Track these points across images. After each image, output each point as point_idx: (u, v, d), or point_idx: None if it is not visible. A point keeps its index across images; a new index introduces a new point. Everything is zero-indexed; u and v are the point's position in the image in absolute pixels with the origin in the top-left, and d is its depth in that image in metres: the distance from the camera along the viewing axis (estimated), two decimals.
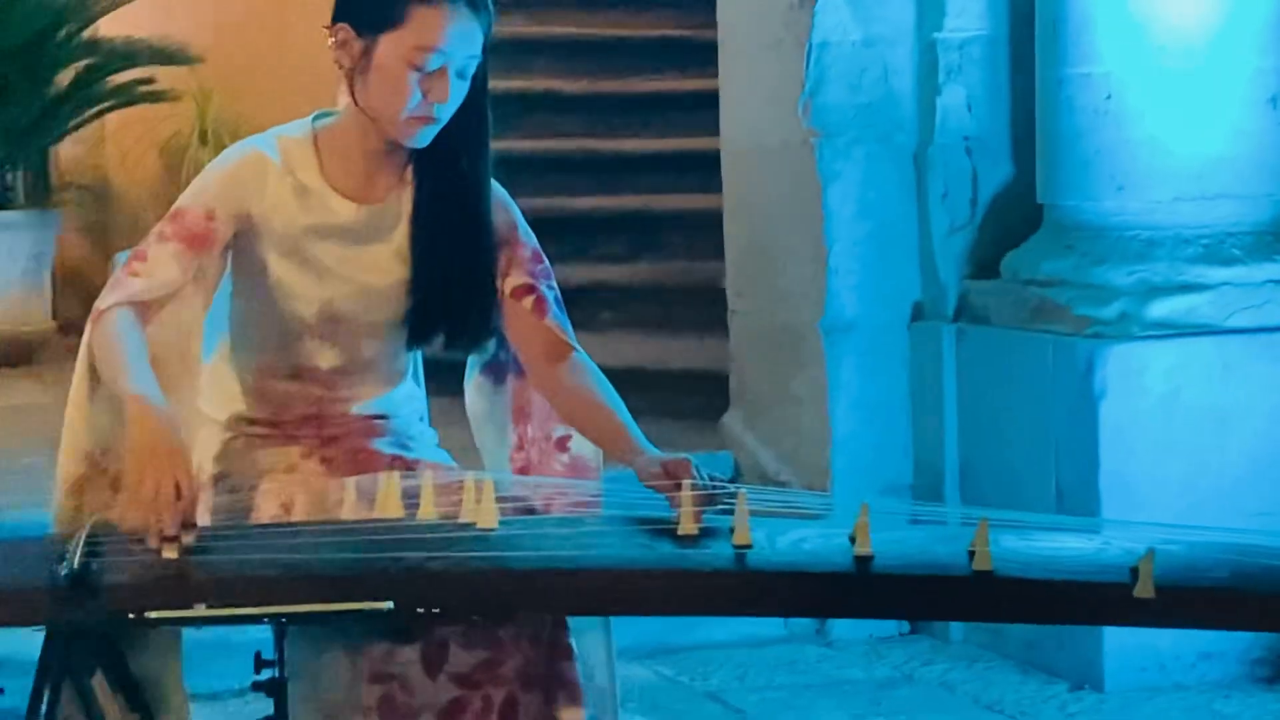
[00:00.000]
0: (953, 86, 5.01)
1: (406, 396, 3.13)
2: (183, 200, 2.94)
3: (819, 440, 5.13)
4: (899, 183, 5.08)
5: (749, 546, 2.66)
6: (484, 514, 2.74)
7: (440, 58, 2.87)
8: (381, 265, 2.99)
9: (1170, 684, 4.54)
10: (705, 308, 6.09)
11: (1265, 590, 2.57)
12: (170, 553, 2.58)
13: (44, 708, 2.62)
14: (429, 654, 2.73)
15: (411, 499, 2.80)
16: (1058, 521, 3.22)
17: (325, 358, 3.03)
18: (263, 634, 2.76)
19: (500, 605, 2.66)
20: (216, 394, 3.05)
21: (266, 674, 2.75)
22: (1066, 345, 4.62)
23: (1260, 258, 4.66)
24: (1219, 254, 4.65)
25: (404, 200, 3.00)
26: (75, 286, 8.29)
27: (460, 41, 2.88)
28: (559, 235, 6.13)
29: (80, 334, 2.88)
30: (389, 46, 2.88)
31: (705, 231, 6.17)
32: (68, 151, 8.65)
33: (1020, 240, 4.93)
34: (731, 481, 2.86)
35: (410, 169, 3.00)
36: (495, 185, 3.03)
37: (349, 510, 2.81)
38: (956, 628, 4.94)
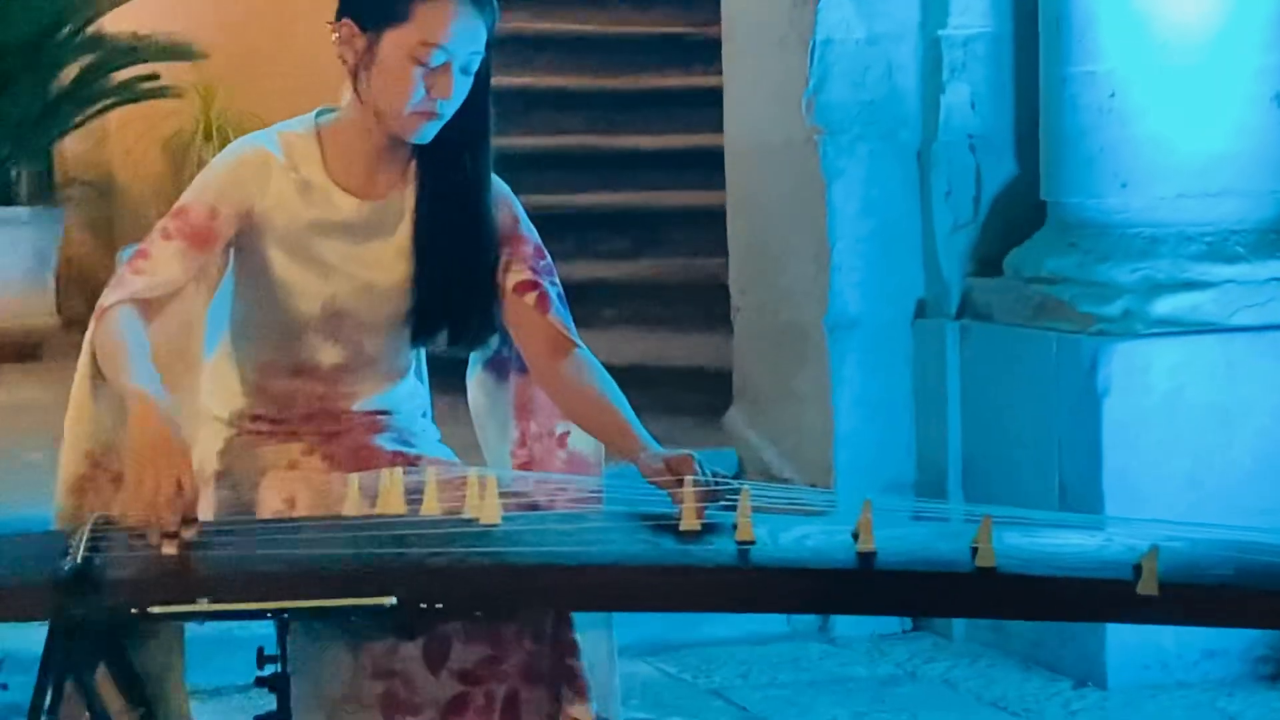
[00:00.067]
0: (956, 84, 5.00)
1: (409, 393, 3.13)
2: (186, 197, 2.94)
3: (822, 437, 5.13)
4: (903, 180, 5.08)
5: (752, 543, 2.66)
6: (487, 510, 2.74)
7: (444, 54, 2.87)
8: (384, 262, 3.00)
9: (1173, 682, 4.54)
10: (708, 305, 6.09)
11: (1269, 588, 2.57)
12: (170, 549, 2.58)
13: (47, 703, 2.62)
14: (431, 650, 2.73)
15: (414, 495, 2.80)
16: (1061, 518, 3.22)
17: (328, 354, 3.03)
18: (265, 630, 2.76)
19: (503, 601, 2.66)
20: (218, 390, 3.05)
21: (269, 669, 2.75)
22: (1070, 343, 4.62)
23: (1264, 255, 4.66)
24: (1222, 251, 4.65)
25: (407, 196, 3.00)
26: (79, 283, 8.30)
27: (464, 37, 2.89)
28: (562, 232, 6.16)
29: (84, 330, 2.89)
30: (393, 42, 2.88)
31: (708, 228, 6.17)
32: (71, 148, 8.66)
33: (1024, 237, 4.93)
34: (734, 478, 2.85)
35: (413, 165, 3.01)
36: (497, 181, 3.04)
37: (351, 506, 2.81)
38: (959, 625, 4.94)
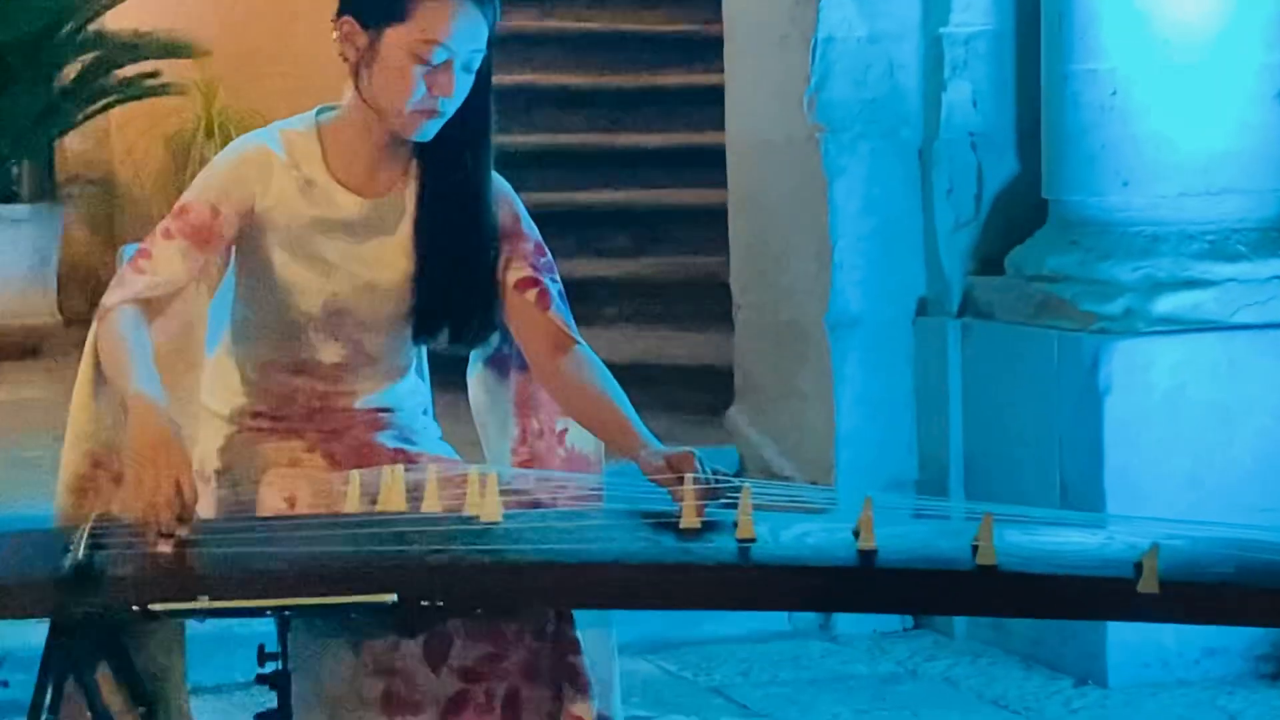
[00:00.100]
0: (958, 82, 5.00)
1: (410, 390, 3.13)
2: (187, 196, 2.94)
3: (823, 435, 5.12)
4: (904, 178, 5.08)
5: (752, 540, 2.65)
6: (488, 508, 2.73)
7: (445, 51, 2.87)
8: (386, 260, 2.99)
9: (1174, 680, 4.54)
10: (710, 303, 6.09)
11: (1269, 586, 2.57)
12: (165, 548, 2.58)
13: (47, 701, 2.62)
14: (432, 647, 2.73)
15: (415, 493, 2.80)
16: (1061, 516, 3.22)
17: (329, 352, 3.03)
18: (266, 627, 2.77)
19: (503, 599, 2.66)
20: (219, 388, 3.05)
21: (270, 667, 2.76)
22: (1071, 341, 4.62)
23: (1265, 254, 4.66)
24: (1224, 250, 4.65)
25: (408, 194, 3.00)
26: (80, 280, 8.29)
27: (466, 35, 2.89)
28: (563, 230, 6.16)
29: (85, 327, 2.89)
30: (394, 40, 2.88)
31: (710, 226, 6.17)
32: (73, 145, 8.65)
33: (1025, 236, 4.93)
34: (735, 476, 2.85)
35: (414, 163, 3.01)
36: (498, 178, 3.03)
37: (352, 504, 2.81)
38: (960, 623, 4.94)
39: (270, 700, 2.79)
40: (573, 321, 3.02)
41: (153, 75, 7.96)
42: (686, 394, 5.89)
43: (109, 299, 2.85)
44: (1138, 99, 4.64)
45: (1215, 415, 4.54)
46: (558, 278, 3.05)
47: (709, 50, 6.31)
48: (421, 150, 2.98)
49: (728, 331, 5.69)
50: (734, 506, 2.69)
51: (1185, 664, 4.56)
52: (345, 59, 2.94)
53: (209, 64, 8.10)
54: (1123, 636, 4.48)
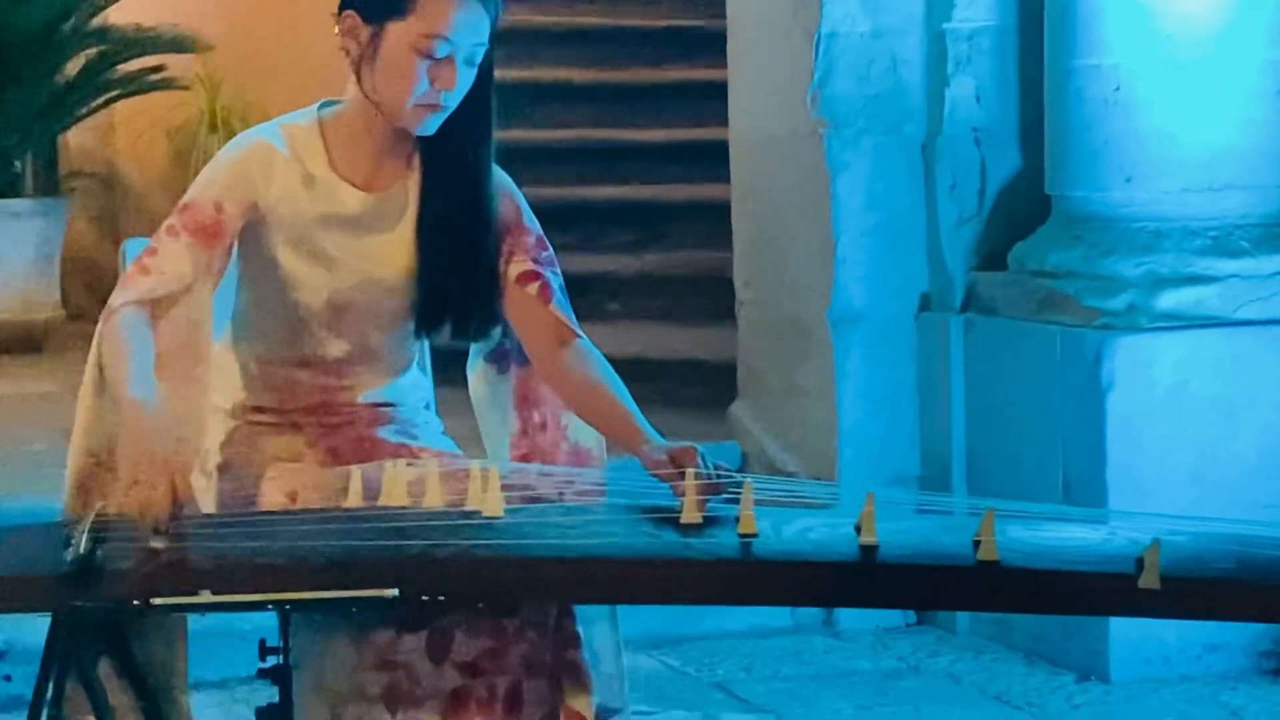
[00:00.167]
0: (961, 77, 5.00)
1: (412, 385, 3.13)
2: (191, 193, 2.94)
3: (826, 431, 5.12)
4: (907, 174, 5.08)
5: (754, 535, 2.65)
6: (489, 502, 2.73)
7: (448, 45, 2.87)
8: (388, 255, 2.99)
9: (1176, 675, 4.54)
10: (713, 298, 6.09)
11: (1271, 582, 2.56)
12: (159, 544, 2.58)
13: (49, 695, 2.62)
14: (434, 642, 2.73)
15: (417, 487, 2.80)
16: (1063, 512, 3.21)
17: (331, 347, 3.03)
18: (268, 621, 2.77)
19: (505, 593, 2.66)
20: (221, 382, 3.04)
21: (271, 661, 2.76)
22: (1074, 336, 4.62)
23: (1268, 250, 4.66)
24: (1227, 246, 4.65)
25: (410, 189, 3.00)
26: (84, 275, 8.30)
27: (468, 29, 2.88)
28: (566, 225, 6.16)
29: (88, 321, 2.89)
30: (397, 34, 2.88)
31: (713, 222, 6.16)
32: (76, 140, 8.66)
33: (1028, 231, 4.93)
34: (738, 471, 2.85)
35: (417, 157, 3.00)
36: (499, 172, 3.03)
37: (354, 498, 2.81)
38: (963, 618, 4.94)
39: (272, 695, 2.79)
40: (573, 315, 3.02)
41: (156, 70, 7.97)
42: (689, 389, 5.89)
43: (115, 300, 2.85)
44: (1141, 94, 4.64)
45: (1218, 411, 4.54)
46: (559, 271, 3.05)
47: (712, 45, 6.30)
48: (423, 145, 2.98)
49: (730, 327, 5.69)
50: (736, 502, 2.69)
51: (1187, 660, 4.56)
52: (347, 54, 2.94)
53: (212, 59, 8.10)
54: (1125, 632, 4.49)
